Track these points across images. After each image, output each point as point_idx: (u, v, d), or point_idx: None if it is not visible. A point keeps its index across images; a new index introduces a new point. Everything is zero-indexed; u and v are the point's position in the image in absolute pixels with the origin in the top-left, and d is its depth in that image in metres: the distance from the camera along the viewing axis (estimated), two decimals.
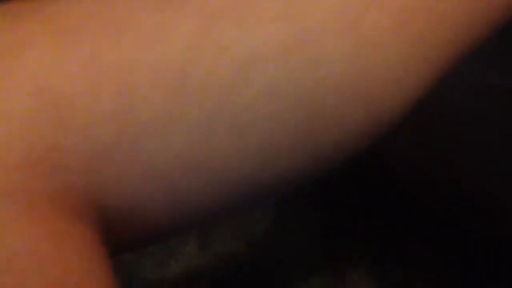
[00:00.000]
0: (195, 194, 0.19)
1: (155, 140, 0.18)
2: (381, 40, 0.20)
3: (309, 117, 0.20)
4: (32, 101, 0.17)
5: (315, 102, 0.20)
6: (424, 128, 0.42)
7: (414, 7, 0.21)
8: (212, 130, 0.19)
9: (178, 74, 0.18)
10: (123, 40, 0.18)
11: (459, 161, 0.47)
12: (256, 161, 0.20)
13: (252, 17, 0.19)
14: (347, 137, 0.21)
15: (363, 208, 0.51)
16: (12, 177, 0.16)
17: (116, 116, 0.17)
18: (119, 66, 0.18)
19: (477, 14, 0.22)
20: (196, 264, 0.50)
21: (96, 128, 0.17)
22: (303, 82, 0.19)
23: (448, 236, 0.49)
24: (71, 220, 0.17)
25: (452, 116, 0.44)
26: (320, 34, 0.19)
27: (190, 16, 0.19)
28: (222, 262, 0.51)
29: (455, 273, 0.48)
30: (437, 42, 0.22)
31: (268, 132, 0.19)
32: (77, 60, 0.17)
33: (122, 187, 0.18)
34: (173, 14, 0.18)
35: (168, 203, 0.19)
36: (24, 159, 0.16)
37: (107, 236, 0.18)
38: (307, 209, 0.52)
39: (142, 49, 0.18)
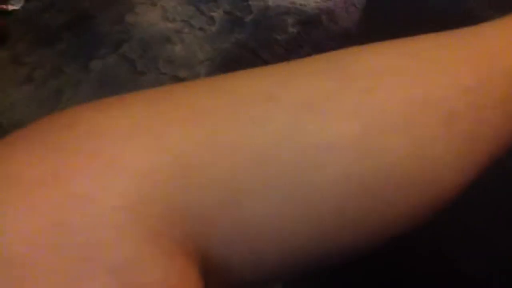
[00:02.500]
0: (274, 257, 0.24)
1: (249, 205, 0.22)
2: (432, 136, 0.24)
3: (371, 200, 0.24)
4: (169, 166, 0.21)
5: (379, 186, 0.24)
6: None
7: (459, 109, 0.25)
8: (291, 204, 0.23)
9: (271, 154, 0.22)
10: (234, 127, 0.22)
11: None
12: (322, 234, 0.24)
13: (331, 112, 0.23)
14: (400, 219, 0.25)
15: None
16: (155, 223, 0.20)
17: (225, 182, 0.22)
18: (230, 147, 0.22)
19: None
20: None
21: (212, 189, 0.21)
22: (367, 170, 0.23)
23: None
24: (191, 263, 0.21)
25: None
26: (383, 130, 0.24)
27: (281, 110, 0.23)
28: None
29: None
30: (484, 136, 0.26)
31: (336, 210, 0.23)
32: (202, 136, 0.22)
33: (223, 240, 0.22)
34: (269, 107, 0.23)
35: (253, 261, 0.23)
36: (164, 209, 0.20)
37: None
38: None
39: (247, 136, 0.22)
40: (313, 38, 0.78)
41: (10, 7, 0.81)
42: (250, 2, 0.82)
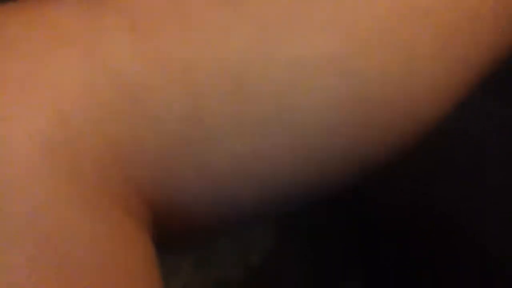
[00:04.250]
0: (242, 198, 0.20)
1: (213, 142, 0.18)
2: (428, 53, 0.21)
3: (359, 123, 0.20)
4: (105, 88, 0.17)
5: (368, 109, 0.20)
6: (419, 159, 0.42)
7: (455, 27, 0.21)
8: (266, 136, 0.19)
9: (236, 78, 0.18)
10: (188, 38, 0.18)
11: (456, 193, 0.47)
12: (307, 168, 0.20)
13: (303, 26, 0.19)
14: (389, 144, 0.21)
15: (355, 239, 0.52)
16: (85, 163, 0.16)
17: (184, 112, 0.18)
18: (185, 64, 0.18)
19: (501, 37, 0.23)
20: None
21: (164, 125, 0.17)
22: (353, 90, 0.20)
23: (444, 270, 0.49)
24: (131, 219, 0.17)
25: (453, 145, 0.45)
26: (368, 44, 0.20)
27: (248, 21, 0.19)
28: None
29: None
30: (474, 60, 0.22)
31: (322, 140, 0.20)
32: (147, 54, 0.17)
33: (176, 183, 0.18)
34: (233, 15, 0.19)
35: (214, 204, 0.19)
36: (97, 146, 0.17)
37: (153, 232, 0.19)
38: (301, 238, 0.52)
39: (205, 49, 0.18)
40: None
41: None
42: None
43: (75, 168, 0.16)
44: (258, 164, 0.19)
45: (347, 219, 0.52)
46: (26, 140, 0.16)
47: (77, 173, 0.16)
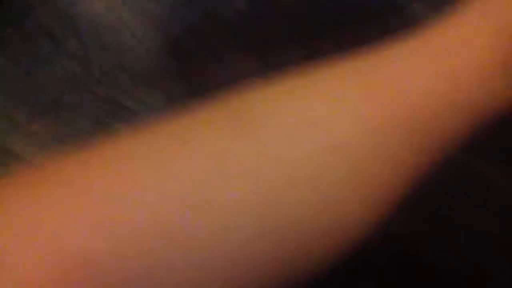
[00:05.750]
0: None
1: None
2: (341, 184, 0.24)
3: (286, 251, 0.24)
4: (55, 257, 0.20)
5: (292, 239, 0.23)
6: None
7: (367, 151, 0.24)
8: (201, 268, 0.22)
9: (177, 224, 0.21)
10: (128, 199, 0.21)
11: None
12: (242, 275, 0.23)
13: (226, 176, 0.23)
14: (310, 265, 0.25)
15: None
16: None
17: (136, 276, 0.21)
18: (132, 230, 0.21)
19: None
20: None
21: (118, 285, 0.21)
22: (280, 225, 0.23)
23: None
24: None
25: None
26: (289, 184, 0.23)
27: (182, 177, 0.22)
28: None
29: None
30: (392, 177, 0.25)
31: (252, 266, 0.23)
32: (91, 226, 0.21)
33: None
34: (165, 170, 0.22)
35: None
36: None
37: None
38: None
39: (144, 211, 0.21)
40: None
41: None
42: None
43: None
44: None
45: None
46: None
47: None
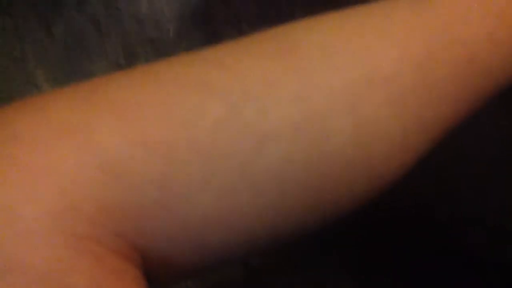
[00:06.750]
0: (219, 244, 0.23)
1: (190, 200, 0.22)
2: (378, 116, 0.24)
3: (316, 183, 0.24)
4: (98, 166, 0.21)
5: (321, 171, 0.24)
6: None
7: (407, 86, 0.24)
8: (234, 191, 0.23)
9: (209, 146, 0.22)
10: (167, 121, 0.22)
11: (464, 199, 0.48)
12: (270, 217, 0.24)
13: (271, 100, 0.23)
14: (348, 199, 0.25)
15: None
16: (80, 227, 0.20)
17: (161, 181, 0.22)
18: (164, 144, 0.22)
19: (470, 88, 0.26)
20: None
21: (146, 189, 0.21)
22: (310, 155, 0.23)
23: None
24: (123, 262, 0.21)
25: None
26: (326, 114, 0.23)
27: (218, 100, 0.23)
28: None
29: None
30: (432, 114, 0.25)
31: (280, 193, 0.23)
32: (133, 138, 0.22)
33: (162, 237, 0.22)
34: (205, 97, 0.23)
35: (197, 252, 0.23)
36: (91, 211, 0.21)
37: (146, 275, 0.23)
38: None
39: (182, 130, 0.22)
40: None
41: None
42: None
43: (74, 227, 0.20)
44: (226, 216, 0.23)
45: (346, 219, 0.52)
46: (33, 206, 0.20)
47: (76, 230, 0.20)
